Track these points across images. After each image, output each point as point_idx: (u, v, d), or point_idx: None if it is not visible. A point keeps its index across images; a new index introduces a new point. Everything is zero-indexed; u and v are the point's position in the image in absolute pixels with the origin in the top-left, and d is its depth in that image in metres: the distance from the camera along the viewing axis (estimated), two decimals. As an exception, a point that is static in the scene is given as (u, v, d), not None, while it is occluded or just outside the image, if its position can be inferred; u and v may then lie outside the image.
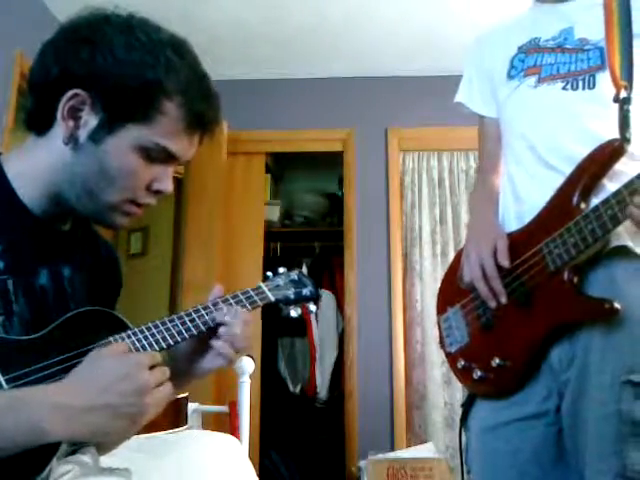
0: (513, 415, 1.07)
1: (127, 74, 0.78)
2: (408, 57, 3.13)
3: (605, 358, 0.96)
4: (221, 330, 0.90)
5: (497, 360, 1.07)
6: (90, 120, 0.80)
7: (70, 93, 0.78)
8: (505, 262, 1.06)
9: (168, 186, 0.86)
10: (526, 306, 1.05)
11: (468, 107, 1.32)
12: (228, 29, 2.90)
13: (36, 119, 0.84)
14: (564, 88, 1.10)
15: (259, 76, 3.32)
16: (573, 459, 1.01)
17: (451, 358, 1.19)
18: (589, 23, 1.11)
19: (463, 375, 1.16)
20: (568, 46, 1.12)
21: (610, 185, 0.99)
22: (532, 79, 1.15)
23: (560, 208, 1.03)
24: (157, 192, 0.86)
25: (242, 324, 0.90)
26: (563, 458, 1.03)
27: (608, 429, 0.94)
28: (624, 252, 0.99)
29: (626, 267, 0.99)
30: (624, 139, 1.00)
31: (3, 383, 0.71)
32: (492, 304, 1.08)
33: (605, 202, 0.94)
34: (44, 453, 0.69)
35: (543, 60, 1.14)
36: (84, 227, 0.94)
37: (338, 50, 3.08)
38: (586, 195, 1.01)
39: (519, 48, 1.19)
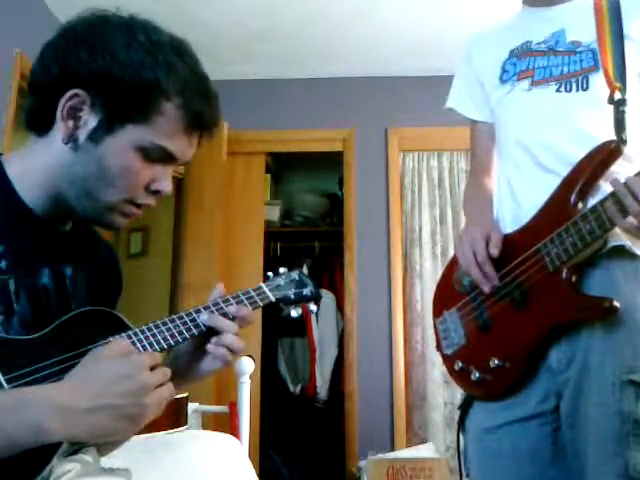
0: (511, 416, 1.07)
1: (126, 75, 0.78)
2: (408, 57, 3.13)
3: (606, 358, 0.96)
4: (213, 340, 0.90)
5: (495, 361, 1.07)
6: (90, 120, 0.80)
7: (70, 93, 0.79)
8: (494, 250, 1.07)
9: (167, 186, 0.86)
10: (524, 306, 1.05)
11: (459, 112, 1.33)
12: (228, 29, 2.90)
13: (36, 119, 0.84)
14: (558, 90, 1.10)
15: (259, 76, 3.32)
16: (572, 459, 1.01)
17: (448, 360, 1.19)
18: (580, 25, 1.12)
19: (461, 377, 1.16)
20: (560, 49, 1.13)
21: (606, 186, 1.00)
22: (525, 82, 1.15)
23: (557, 209, 1.04)
24: (156, 192, 0.86)
25: (236, 327, 0.90)
26: (561, 458, 1.03)
27: (610, 429, 0.94)
28: (622, 252, 0.99)
29: (624, 267, 1.00)
30: (620, 140, 1.01)
31: (4, 383, 0.71)
32: (486, 289, 1.08)
33: (603, 202, 0.95)
34: (45, 452, 0.68)
35: (535, 63, 1.15)
36: (85, 228, 0.94)
37: (338, 50, 3.09)
38: (583, 196, 1.02)
39: (511, 52, 1.20)
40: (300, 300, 1.03)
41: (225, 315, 0.91)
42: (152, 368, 0.76)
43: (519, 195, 1.12)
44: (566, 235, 0.99)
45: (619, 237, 0.99)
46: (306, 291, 1.04)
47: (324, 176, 3.96)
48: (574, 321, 1.01)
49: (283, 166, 3.99)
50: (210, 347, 0.90)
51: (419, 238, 3.14)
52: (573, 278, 1.00)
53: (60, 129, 0.80)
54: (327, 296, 3.48)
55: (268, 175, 3.60)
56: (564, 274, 1.00)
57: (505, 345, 1.08)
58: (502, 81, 1.20)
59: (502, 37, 1.25)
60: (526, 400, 1.06)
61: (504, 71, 1.20)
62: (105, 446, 0.86)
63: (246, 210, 3.26)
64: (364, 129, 3.26)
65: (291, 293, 1.02)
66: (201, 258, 2.91)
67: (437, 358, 2.90)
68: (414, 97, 3.22)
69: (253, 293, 0.97)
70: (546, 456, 1.04)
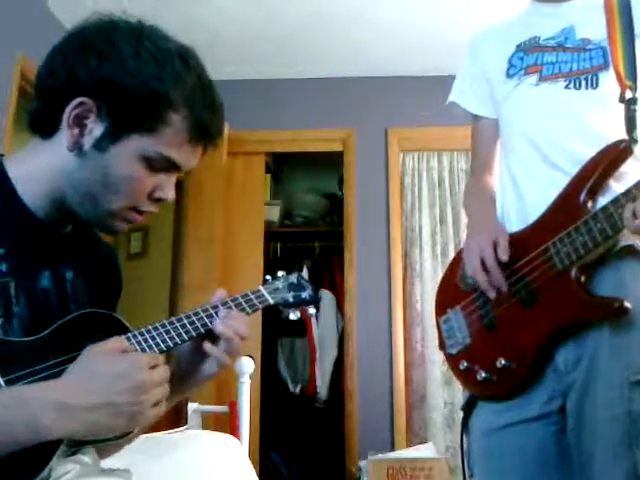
0: (516, 417, 1.06)
1: (134, 84, 0.78)
2: (408, 57, 3.13)
3: (614, 358, 0.96)
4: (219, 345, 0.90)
5: (502, 361, 1.06)
6: (95, 128, 0.80)
7: (77, 101, 0.78)
8: (504, 256, 1.06)
9: (170, 194, 0.86)
10: (531, 305, 1.05)
11: (462, 107, 1.31)
12: (228, 29, 2.90)
13: (41, 122, 0.83)
14: (567, 87, 1.10)
15: (259, 76, 3.32)
16: (578, 459, 1.01)
17: (452, 360, 1.18)
18: (590, 23, 1.11)
19: (466, 377, 1.15)
20: (569, 45, 1.12)
21: (615, 185, 0.99)
22: (533, 77, 1.14)
23: (566, 208, 1.03)
24: (159, 200, 0.86)
25: (236, 331, 0.90)
26: (566, 458, 1.03)
27: (618, 430, 0.94)
28: (632, 252, 0.99)
29: (634, 267, 0.99)
30: (632, 140, 1.00)
31: (3, 384, 0.71)
32: (491, 295, 1.07)
33: (615, 201, 0.94)
34: (44, 452, 0.69)
35: (544, 59, 1.14)
36: (85, 230, 0.94)
37: (338, 50, 3.08)
38: (593, 195, 1.01)
39: (518, 46, 1.19)
40: (299, 303, 1.03)
41: (212, 323, 0.91)
42: (152, 368, 0.76)
43: (524, 192, 1.11)
44: (576, 234, 0.98)
45: (629, 236, 0.98)
46: (305, 294, 1.04)
47: (324, 176, 3.95)
48: (583, 321, 1.00)
49: (283, 166, 3.98)
50: (207, 346, 0.90)
51: (419, 238, 3.14)
52: (582, 278, 0.99)
53: (65, 135, 0.80)
54: (327, 296, 3.48)
55: (268, 175, 3.60)
56: (573, 273, 0.99)
57: (512, 345, 1.07)
58: (509, 75, 1.18)
59: (508, 32, 1.24)
60: (531, 401, 1.05)
61: (511, 65, 1.18)
62: (106, 448, 0.86)
63: (246, 210, 3.25)
64: (364, 129, 3.26)
65: (289, 296, 1.02)
66: (201, 258, 2.91)
67: (437, 358, 2.90)
68: (414, 97, 3.22)
69: (252, 296, 0.97)
70: (551, 456, 1.04)
